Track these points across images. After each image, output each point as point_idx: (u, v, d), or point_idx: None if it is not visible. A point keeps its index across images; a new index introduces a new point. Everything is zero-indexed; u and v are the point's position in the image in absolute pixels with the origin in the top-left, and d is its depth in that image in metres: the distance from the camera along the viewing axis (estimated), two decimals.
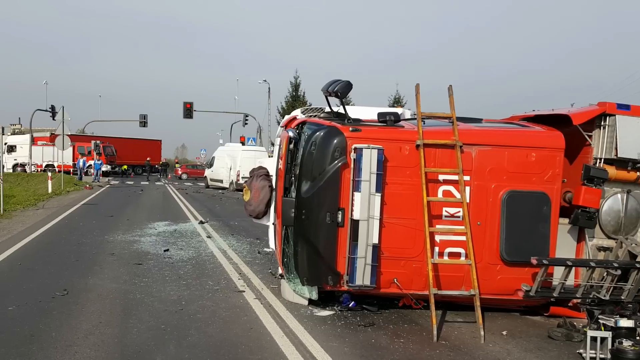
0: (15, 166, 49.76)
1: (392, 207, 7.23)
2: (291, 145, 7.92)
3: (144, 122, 55.71)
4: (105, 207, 21.99)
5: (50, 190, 28.73)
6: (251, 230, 15.69)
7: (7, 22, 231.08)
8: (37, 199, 24.89)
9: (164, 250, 12.15)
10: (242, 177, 33.07)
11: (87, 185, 34.49)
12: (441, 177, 7.32)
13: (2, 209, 19.45)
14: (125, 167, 56.87)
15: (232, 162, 36.28)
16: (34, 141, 49.42)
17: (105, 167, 48.90)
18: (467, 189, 7.31)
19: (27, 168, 47.21)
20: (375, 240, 7.06)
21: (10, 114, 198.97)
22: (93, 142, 51.83)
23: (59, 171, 35.21)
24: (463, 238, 7.22)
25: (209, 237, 14.45)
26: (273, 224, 8.80)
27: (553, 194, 7.41)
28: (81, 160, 44.19)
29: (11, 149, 50.18)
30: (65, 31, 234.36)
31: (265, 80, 56.84)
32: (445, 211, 7.32)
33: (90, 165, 45.25)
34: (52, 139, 50.17)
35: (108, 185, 38.06)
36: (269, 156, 24.91)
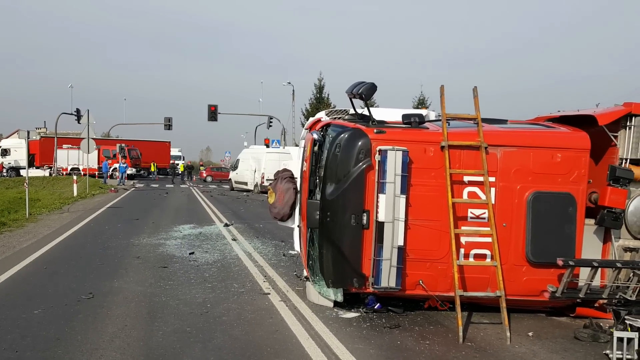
0: (9, 169, 50.42)
1: (417, 209, 7.29)
2: (315, 148, 8.01)
3: (168, 125, 56.24)
4: (131, 210, 22.20)
5: (75, 193, 29.12)
6: (276, 232, 15.77)
7: (33, 25, 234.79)
8: (63, 202, 25.28)
9: (189, 253, 12.27)
10: (267, 180, 33.24)
11: (112, 189, 34.93)
12: (466, 179, 7.37)
13: (28, 212, 19.83)
14: (153, 167, 57.39)
15: (256, 165, 36.46)
16: (58, 144, 50.22)
17: (130, 170, 49.49)
18: (493, 190, 7.35)
19: (22, 172, 47.59)
20: (401, 242, 7.13)
21: (35, 117, 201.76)
22: (118, 145, 52.49)
23: (84, 174, 35.75)
24: (489, 239, 7.26)
25: (234, 239, 14.55)
26: (298, 226, 8.89)
27: (579, 195, 7.42)
28: (105, 163, 44.86)
29: (4, 152, 50.80)
30: (91, 34, 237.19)
31: (289, 83, 57.06)
32: (471, 213, 7.36)
33: (115, 168, 45.83)
34: (68, 141, 51.03)
35: (133, 189, 38.44)
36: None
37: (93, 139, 32.05)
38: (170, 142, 60.49)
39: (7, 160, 52.35)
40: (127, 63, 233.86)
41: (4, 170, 52.25)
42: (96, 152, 45.07)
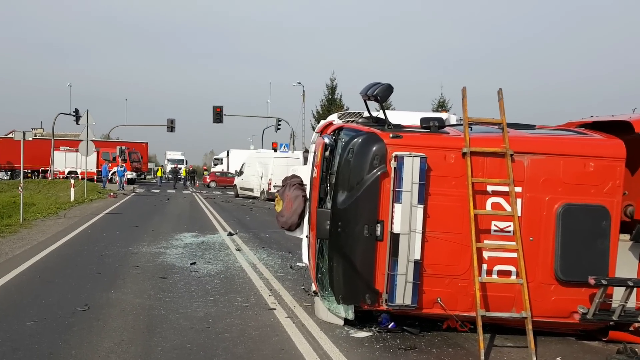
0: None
1: (436, 220, 7.17)
2: (327, 153, 7.94)
3: (171, 127, 56.59)
4: (130, 217, 22.33)
5: (72, 198, 29.29)
6: (283, 243, 15.73)
7: (31, 22, 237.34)
8: (59, 207, 25.40)
9: (191, 264, 12.25)
10: (274, 186, 33.35)
11: (112, 194, 35.09)
12: (490, 189, 7.24)
13: (22, 217, 19.88)
14: (160, 173, 57.47)
15: (263, 170, 36.56)
16: (55, 146, 50.52)
17: (130, 174, 49.67)
18: (519, 201, 7.20)
19: None
20: (418, 256, 7.00)
21: (32, 117, 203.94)
22: (118, 147, 52.74)
23: (82, 178, 35.90)
24: (514, 255, 7.11)
25: (238, 249, 14.52)
26: (307, 236, 8.81)
27: (613, 208, 7.25)
28: (105, 167, 45.04)
29: None
30: (91, 30, 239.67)
31: (299, 83, 57.36)
32: (495, 225, 7.23)
33: (115, 172, 46.06)
34: (66, 143, 51.22)
35: (133, 194, 38.63)
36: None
37: (92, 140, 32.18)
38: (147, 143, 59.99)
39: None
40: (129, 61, 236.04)
41: None
42: (95, 154, 45.25)
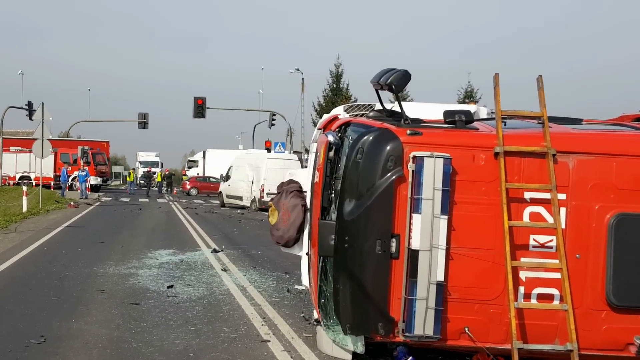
0: None
1: (463, 234, 7.17)
2: (331, 153, 7.95)
3: (143, 123, 56.77)
4: (94, 231, 22.38)
5: (25, 209, 29.29)
6: (278, 261, 15.78)
7: None
8: (8, 220, 25.43)
9: (168, 287, 12.28)
10: (268, 194, 33.50)
11: (72, 203, 35.12)
12: (527, 196, 7.24)
13: None
14: (131, 177, 57.48)
15: (254, 174, 36.65)
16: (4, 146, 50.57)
17: (94, 180, 49.72)
18: (562, 210, 7.20)
19: None
20: (441, 277, 7.00)
21: None
22: (80, 148, 52.83)
23: (37, 185, 35.94)
24: (557, 275, 7.11)
25: (224, 270, 14.57)
26: (307, 254, 8.83)
27: None
28: (64, 170, 45.05)
29: None
30: (45, 13, 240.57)
31: (297, 69, 57.53)
32: (533, 240, 7.22)
33: (76, 177, 46.11)
34: (17, 143, 51.24)
35: (98, 203, 38.68)
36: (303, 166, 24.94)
37: (48, 139, 32.23)
38: (108, 141, 59.86)
39: None
40: (92, 45, 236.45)
41: None
42: (52, 156, 45.33)
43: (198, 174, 64.23)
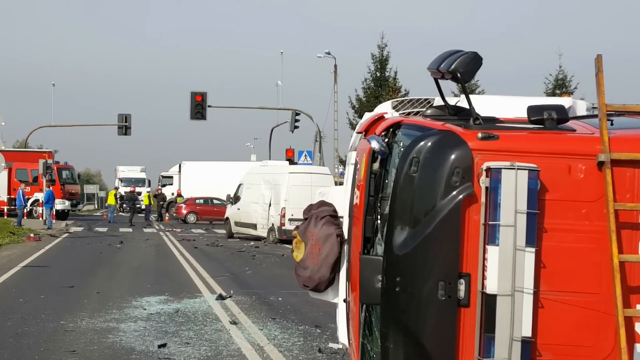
0: None
1: (556, 273, 7.10)
2: (376, 165, 7.94)
3: (124, 127, 57.33)
4: (61, 272, 22.58)
5: None
6: (306, 311, 15.85)
7: None
8: None
9: (159, 346, 12.32)
10: (291, 220, 33.50)
11: (32, 235, 35.41)
12: None
13: None
14: (112, 199, 57.78)
15: (272, 194, 36.77)
16: None
17: (60, 204, 50.12)
18: None
19: None
20: (527, 332, 6.92)
21: None
22: (42, 161, 53.33)
23: None
24: None
25: (233, 322, 14.61)
26: (344, 301, 8.82)
27: None
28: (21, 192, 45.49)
29: None
30: None
31: (328, 53, 57.73)
32: None
33: (38, 200, 46.53)
34: None
35: (66, 235, 38.98)
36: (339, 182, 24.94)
37: (1, 151, 32.60)
38: (51, 152, 59.91)
39: None
40: (58, 31, 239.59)
41: None
42: (5, 173, 45.86)
43: (173, 193, 64.72)
